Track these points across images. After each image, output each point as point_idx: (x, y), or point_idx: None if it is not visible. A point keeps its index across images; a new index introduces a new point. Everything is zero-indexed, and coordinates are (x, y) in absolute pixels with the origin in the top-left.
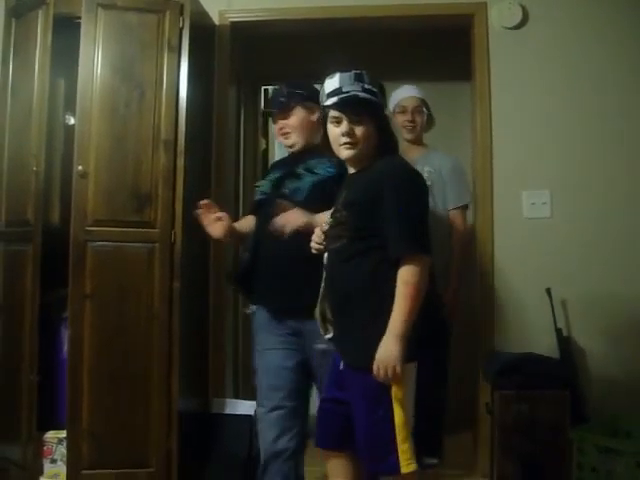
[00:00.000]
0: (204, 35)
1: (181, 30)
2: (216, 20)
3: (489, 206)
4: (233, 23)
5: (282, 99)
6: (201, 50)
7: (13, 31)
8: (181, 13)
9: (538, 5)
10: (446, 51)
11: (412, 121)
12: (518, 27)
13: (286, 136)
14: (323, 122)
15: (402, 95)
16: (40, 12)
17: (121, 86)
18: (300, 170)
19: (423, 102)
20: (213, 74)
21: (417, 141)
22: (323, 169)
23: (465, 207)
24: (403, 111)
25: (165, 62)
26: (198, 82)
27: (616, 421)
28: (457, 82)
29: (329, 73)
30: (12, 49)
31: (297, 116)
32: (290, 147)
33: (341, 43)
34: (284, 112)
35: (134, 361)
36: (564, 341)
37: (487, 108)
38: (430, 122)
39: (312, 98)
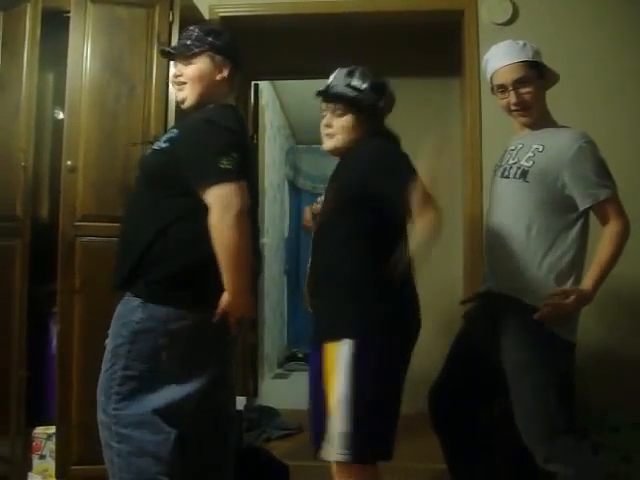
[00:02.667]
0: None
1: (171, 24)
2: (206, 15)
3: (478, 201)
4: (223, 18)
5: (187, 42)
6: None
7: (1, 24)
8: (171, 7)
9: (528, 1)
10: (436, 47)
11: (518, 103)
12: (508, 23)
13: (180, 87)
14: None
15: (493, 68)
16: (29, 5)
17: (110, 81)
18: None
19: (528, 65)
20: None
21: (538, 124)
22: (164, 139)
23: (608, 200)
24: (502, 91)
25: (155, 57)
26: None
27: (603, 416)
28: (447, 78)
29: (321, 69)
30: (0, 42)
31: (199, 66)
32: (180, 103)
33: (332, 39)
34: (185, 58)
35: None
36: None
37: (477, 103)
38: (549, 77)
39: (225, 51)
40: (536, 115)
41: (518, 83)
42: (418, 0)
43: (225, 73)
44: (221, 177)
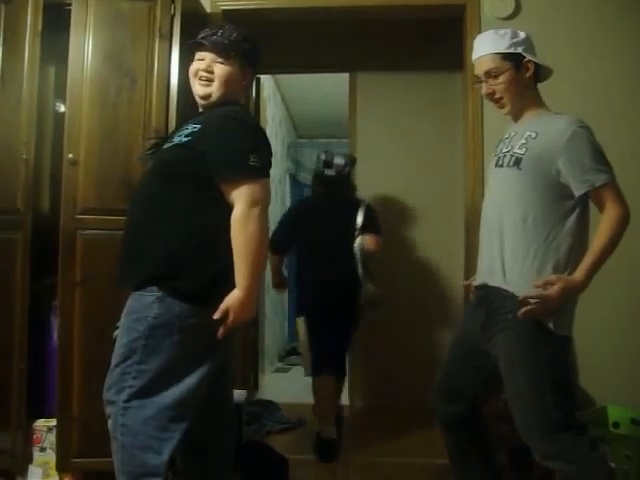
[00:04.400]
0: (196, 23)
1: (172, 18)
2: (208, 8)
3: (480, 195)
4: (225, 11)
5: (225, 42)
6: (192, 38)
7: (3, 17)
8: (172, 1)
9: None
10: (438, 41)
11: (488, 94)
12: (511, 17)
13: (206, 83)
14: None
15: (473, 59)
16: None
17: (112, 74)
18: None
19: (501, 57)
20: None
21: (519, 114)
22: (185, 133)
23: (605, 186)
24: (478, 81)
25: (156, 50)
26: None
27: (604, 412)
28: (449, 72)
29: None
30: (2, 35)
31: (231, 69)
32: (202, 98)
33: (334, 32)
34: (220, 57)
35: None
36: None
37: (478, 97)
38: (533, 69)
39: (253, 61)
40: (511, 105)
41: (487, 75)
42: None
43: (247, 81)
44: (249, 173)
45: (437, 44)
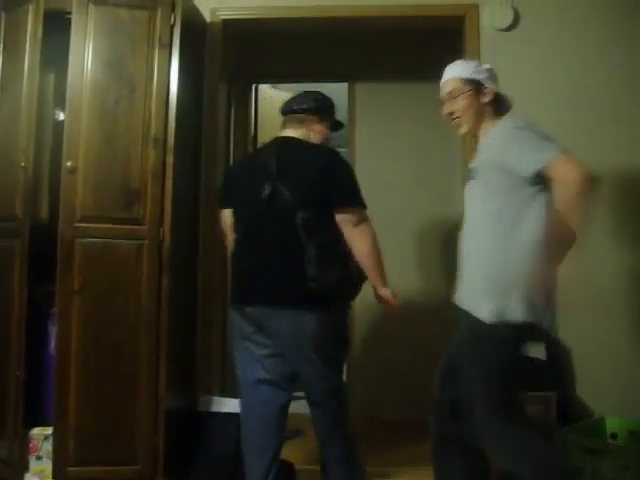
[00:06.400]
0: (195, 32)
1: (172, 27)
2: (207, 17)
3: None
4: (224, 21)
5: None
6: (192, 47)
7: (3, 25)
8: (172, 10)
9: (530, 7)
10: (437, 52)
11: (447, 114)
12: (510, 29)
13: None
14: None
15: (440, 84)
16: (30, 6)
17: (111, 82)
18: None
19: (462, 81)
20: (204, 71)
21: (476, 134)
22: None
23: (556, 157)
24: (443, 103)
25: (156, 59)
26: (189, 79)
27: (602, 423)
28: None
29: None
30: (2, 43)
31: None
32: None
33: (333, 43)
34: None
35: (122, 358)
36: (551, 343)
37: None
38: (491, 96)
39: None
40: (468, 126)
41: (449, 96)
42: (420, 5)
43: None
44: None
45: (436, 54)
